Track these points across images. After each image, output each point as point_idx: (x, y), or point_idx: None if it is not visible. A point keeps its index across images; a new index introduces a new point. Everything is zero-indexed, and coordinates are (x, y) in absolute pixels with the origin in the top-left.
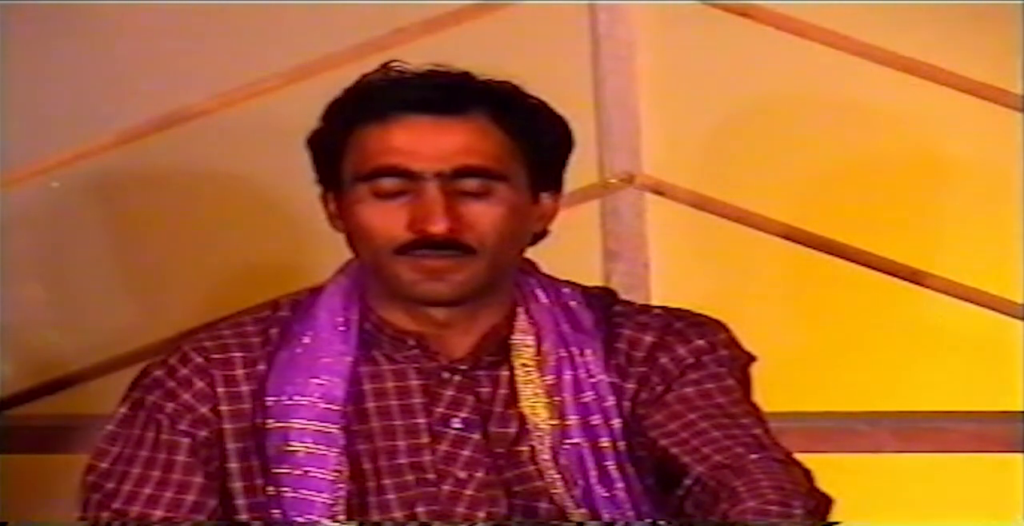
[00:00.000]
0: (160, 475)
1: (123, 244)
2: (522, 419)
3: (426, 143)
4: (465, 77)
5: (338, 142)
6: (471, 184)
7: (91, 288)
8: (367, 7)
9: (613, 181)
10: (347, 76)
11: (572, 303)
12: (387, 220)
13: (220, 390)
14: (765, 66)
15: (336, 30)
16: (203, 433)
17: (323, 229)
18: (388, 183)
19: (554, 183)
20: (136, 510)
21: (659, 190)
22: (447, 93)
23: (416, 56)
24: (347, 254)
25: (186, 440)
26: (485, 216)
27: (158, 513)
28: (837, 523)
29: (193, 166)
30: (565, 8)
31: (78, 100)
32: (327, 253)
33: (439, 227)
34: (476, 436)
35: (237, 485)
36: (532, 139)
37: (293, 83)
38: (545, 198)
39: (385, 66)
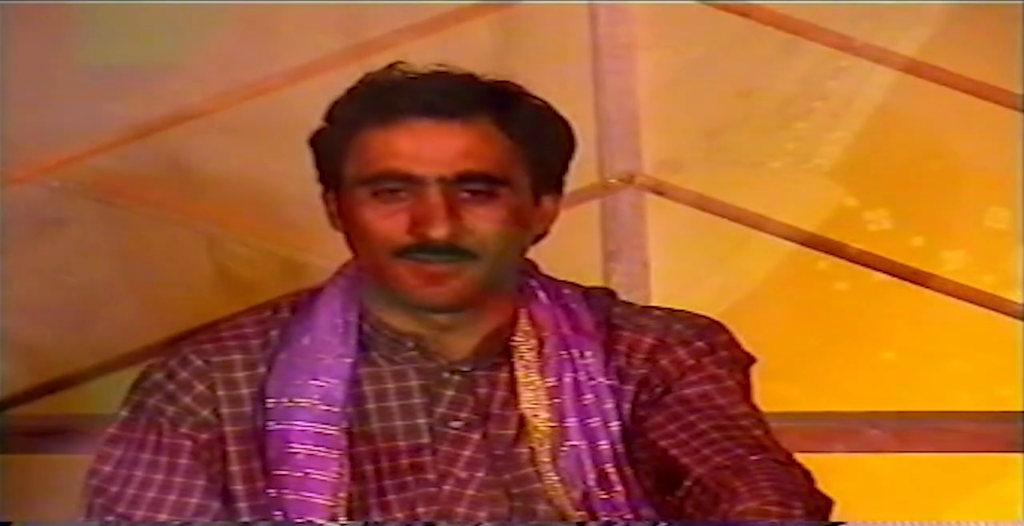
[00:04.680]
0: (163, 479)
1: (123, 244)
2: (521, 421)
3: (429, 147)
4: (469, 80)
5: (341, 143)
6: (473, 188)
7: (91, 288)
8: (367, 7)
9: (613, 181)
10: (347, 76)
11: (573, 305)
12: (387, 223)
13: (220, 393)
14: (765, 66)
15: (336, 30)
16: (204, 436)
17: (323, 229)
18: (390, 186)
19: (556, 185)
20: (140, 514)
21: (659, 190)
22: (451, 96)
23: (416, 56)
24: (347, 254)
25: (188, 443)
26: (486, 220)
27: (162, 517)
28: (840, 523)
29: (193, 166)
30: (565, 8)
31: (78, 100)
32: (327, 253)
33: (440, 232)
34: (476, 436)
35: (239, 488)
36: (535, 143)
37: (293, 83)
38: (546, 200)
39: (390, 67)
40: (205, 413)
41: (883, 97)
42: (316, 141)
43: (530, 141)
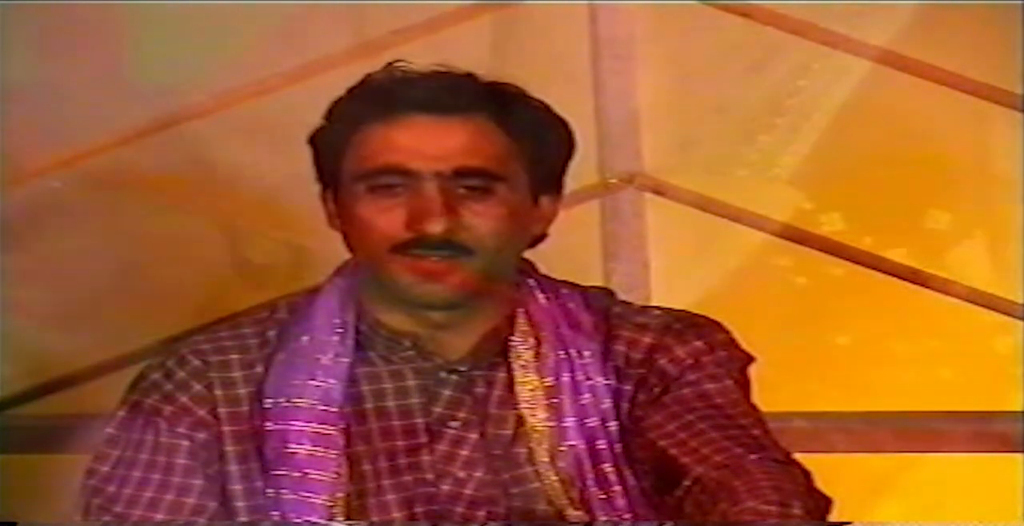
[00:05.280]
0: (160, 478)
1: (122, 244)
2: (519, 420)
3: (427, 142)
4: (469, 78)
5: (340, 140)
6: (470, 184)
7: (91, 288)
8: (367, 7)
9: (613, 181)
10: (347, 76)
11: (571, 304)
12: (385, 218)
13: (218, 393)
14: (765, 66)
15: (336, 30)
16: (202, 435)
17: (322, 229)
18: (387, 182)
19: (554, 186)
20: (137, 514)
21: (659, 190)
22: (450, 93)
23: (416, 56)
24: (345, 254)
25: (185, 442)
26: (483, 216)
27: (159, 517)
28: (844, 524)
29: (193, 166)
30: (565, 8)
31: (78, 100)
32: (326, 253)
33: (437, 227)
34: (474, 436)
35: (237, 487)
36: (534, 141)
37: (293, 83)
38: (545, 200)
39: (389, 66)
40: (202, 413)
41: (883, 96)
42: (315, 140)
43: (529, 140)
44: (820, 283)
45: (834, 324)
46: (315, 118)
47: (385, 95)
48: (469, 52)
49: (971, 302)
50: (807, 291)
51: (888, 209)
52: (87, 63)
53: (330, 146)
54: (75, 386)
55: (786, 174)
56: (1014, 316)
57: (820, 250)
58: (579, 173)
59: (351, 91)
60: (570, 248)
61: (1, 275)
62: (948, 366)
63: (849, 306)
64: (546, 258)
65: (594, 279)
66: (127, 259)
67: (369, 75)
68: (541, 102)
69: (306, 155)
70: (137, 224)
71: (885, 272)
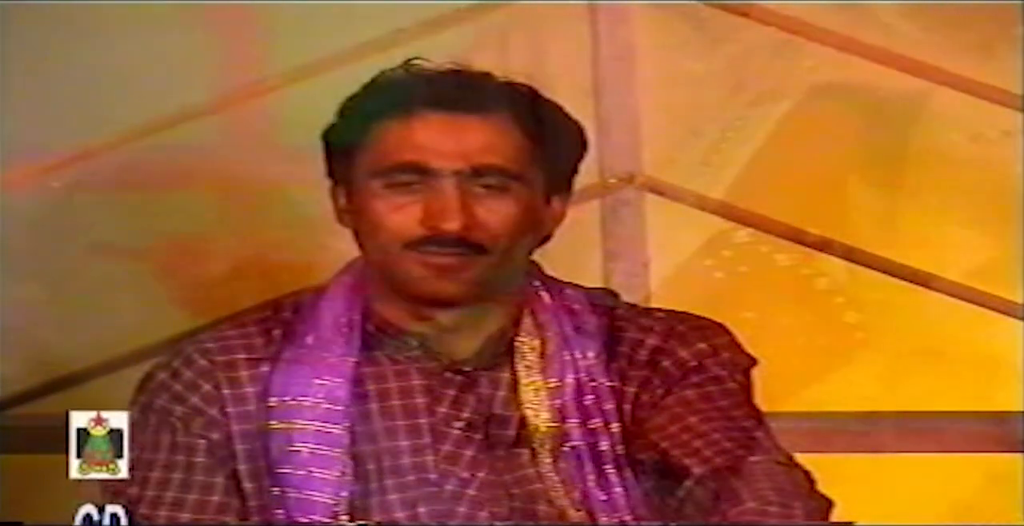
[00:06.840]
0: (182, 478)
1: (123, 243)
2: (522, 421)
3: (446, 140)
4: (486, 77)
5: (356, 136)
6: (488, 182)
7: (91, 288)
8: (367, 7)
9: (613, 181)
10: (347, 76)
11: (576, 306)
12: (400, 215)
13: (226, 392)
14: (765, 66)
15: (336, 30)
16: (215, 435)
17: (323, 229)
18: (404, 179)
19: (565, 186)
20: (163, 514)
21: (659, 190)
22: (469, 91)
23: (416, 56)
24: (349, 254)
25: (202, 442)
26: (499, 215)
27: (185, 516)
28: (848, 524)
29: (193, 166)
30: (565, 8)
31: (78, 100)
32: (327, 252)
33: (453, 225)
34: (478, 436)
35: (247, 486)
36: (550, 142)
37: (293, 83)
38: (555, 201)
39: (406, 63)
40: (213, 412)
41: (883, 96)
42: (329, 135)
43: (545, 140)
44: (820, 283)
45: (834, 324)
46: (316, 118)
47: (402, 92)
48: (470, 52)
49: (971, 302)
50: (807, 291)
51: (889, 209)
52: (87, 63)
53: (345, 141)
54: (75, 386)
55: (786, 174)
56: (1014, 316)
57: (821, 250)
58: (579, 173)
59: (366, 87)
60: (570, 248)
61: (1, 275)
62: (948, 366)
63: (850, 307)
64: (546, 258)
65: (594, 279)
66: (127, 258)
67: (384, 72)
68: (555, 103)
69: (305, 155)
70: (137, 223)
71: (886, 272)
